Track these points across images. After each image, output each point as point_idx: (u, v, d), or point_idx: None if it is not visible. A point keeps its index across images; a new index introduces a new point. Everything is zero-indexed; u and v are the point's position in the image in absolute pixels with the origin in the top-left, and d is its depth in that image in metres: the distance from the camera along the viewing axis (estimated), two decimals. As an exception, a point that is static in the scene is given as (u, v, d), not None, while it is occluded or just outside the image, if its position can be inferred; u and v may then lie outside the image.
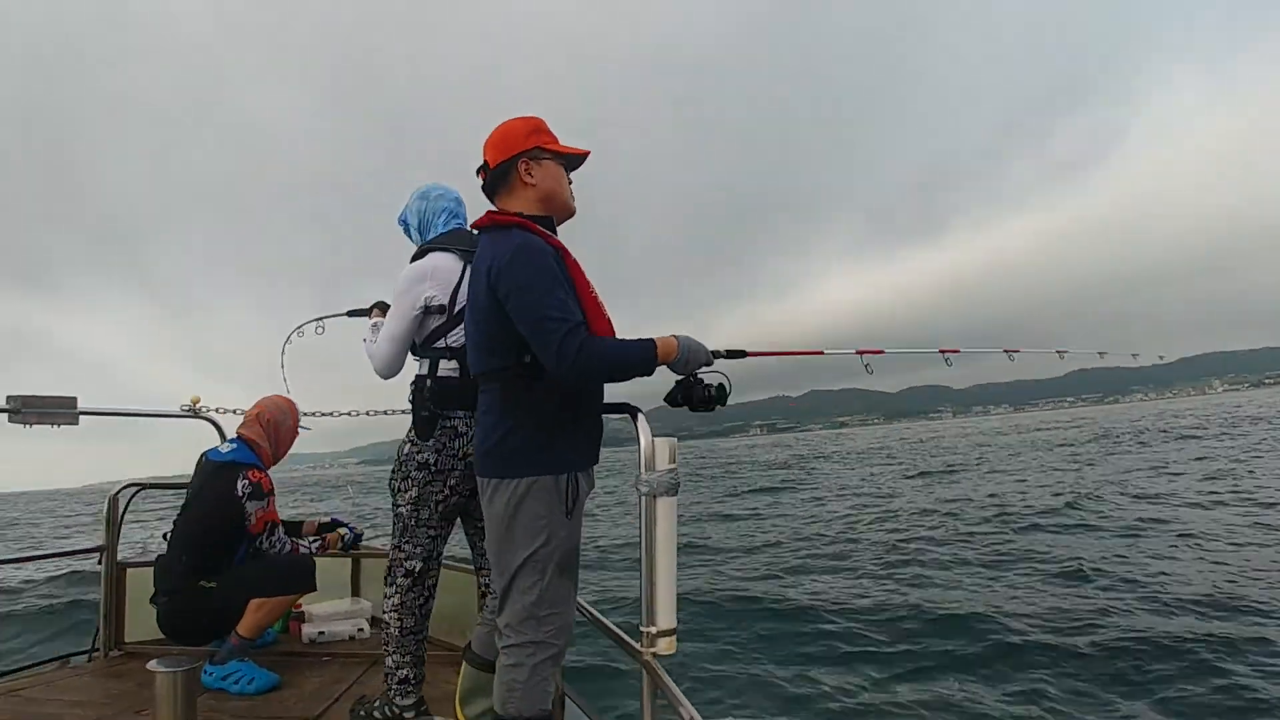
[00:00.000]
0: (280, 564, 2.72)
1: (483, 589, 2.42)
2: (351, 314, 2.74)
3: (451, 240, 2.28)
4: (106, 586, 2.97)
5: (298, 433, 3.01)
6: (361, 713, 2.30)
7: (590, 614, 2.11)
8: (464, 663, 2.04)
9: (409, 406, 2.20)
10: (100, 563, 2.98)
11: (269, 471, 2.80)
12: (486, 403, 1.73)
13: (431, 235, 2.35)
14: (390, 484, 2.25)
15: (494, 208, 1.87)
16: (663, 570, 1.63)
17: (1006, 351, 2.99)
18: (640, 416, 1.69)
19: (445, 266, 2.18)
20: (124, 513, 3.05)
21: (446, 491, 2.20)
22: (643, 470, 1.64)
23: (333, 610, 3.26)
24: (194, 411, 3.09)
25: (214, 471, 2.69)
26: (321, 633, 3.11)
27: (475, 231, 1.87)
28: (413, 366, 2.26)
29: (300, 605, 3.34)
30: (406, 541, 2.23)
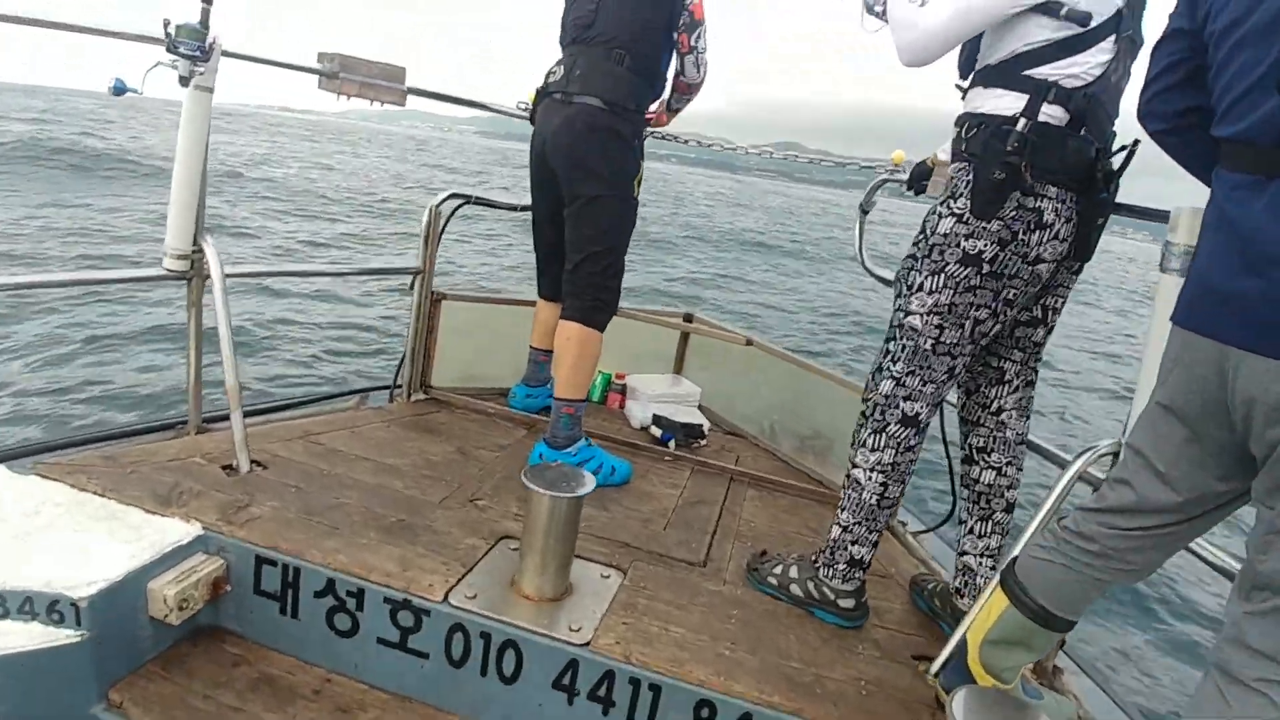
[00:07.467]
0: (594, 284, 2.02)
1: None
2: None
3: None
4: (417, 317, 2.44)
5: None
6: (773, 580, 1.65)
7: None
8: (1008, 600, 1.25)
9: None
10: (412, 288, 2.41)
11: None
12: None
13: None
14: (899, 272, 1.43)
15: None
16: None
17: None
18: None
19: None
20: (443, 229, 2.43)
21: (996, 306, 1.34)
22: None
23: (659, 391, 2.64)
24: (531, 113, 2.23)
25: None
26: (656, 417, 2.51)
27: None
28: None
29: (623, 375, 2.77)
30: (914, 373, 1.41)
